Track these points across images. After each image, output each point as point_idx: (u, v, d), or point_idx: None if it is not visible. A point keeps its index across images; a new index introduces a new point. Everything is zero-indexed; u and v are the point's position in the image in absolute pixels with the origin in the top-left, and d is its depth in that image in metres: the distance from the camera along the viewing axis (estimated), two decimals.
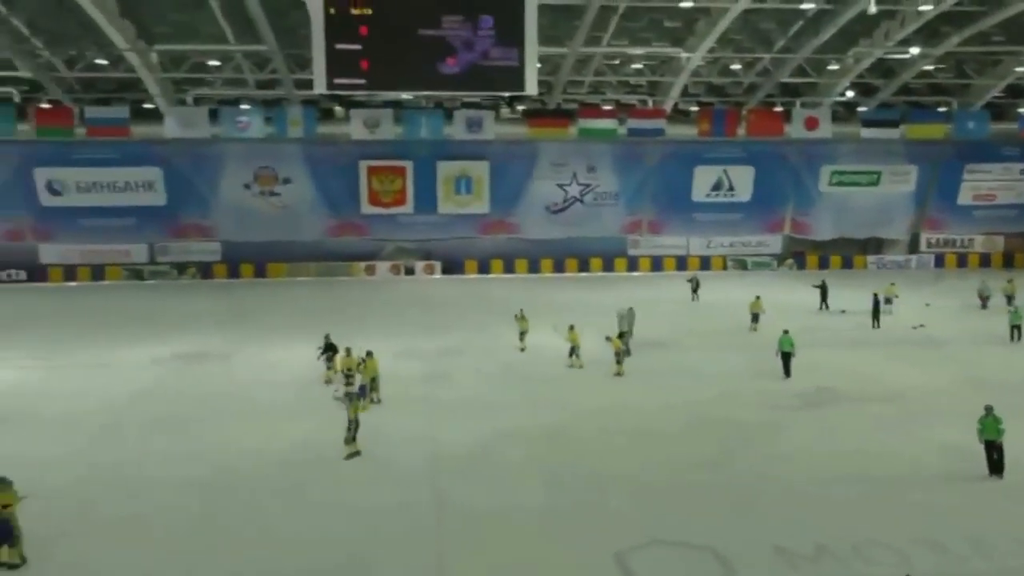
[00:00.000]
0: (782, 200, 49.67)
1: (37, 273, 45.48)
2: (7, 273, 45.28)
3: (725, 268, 49.30)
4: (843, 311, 34.55)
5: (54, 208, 44.99)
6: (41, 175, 44.46)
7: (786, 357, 24.47)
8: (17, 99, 41.78)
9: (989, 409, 16.52)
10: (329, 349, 24.48)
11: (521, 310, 29.31)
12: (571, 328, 26.34)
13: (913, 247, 51.29)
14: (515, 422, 20.46)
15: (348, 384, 22.24)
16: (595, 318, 28.90)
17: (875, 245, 51.58)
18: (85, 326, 33.59)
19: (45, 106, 42.35)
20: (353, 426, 18.12)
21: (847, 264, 50.09)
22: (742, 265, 49.60)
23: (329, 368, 24.10)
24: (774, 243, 50.56)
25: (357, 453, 17.99)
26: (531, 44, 29.04)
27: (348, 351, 23.18)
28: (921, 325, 32.14)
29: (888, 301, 34.49)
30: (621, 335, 26.69)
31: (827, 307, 35.63)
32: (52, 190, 44.70)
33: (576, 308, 33.36)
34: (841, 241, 50.42)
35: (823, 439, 19.17)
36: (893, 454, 17.99)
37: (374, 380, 22.10)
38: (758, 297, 32.61)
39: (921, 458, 17.65)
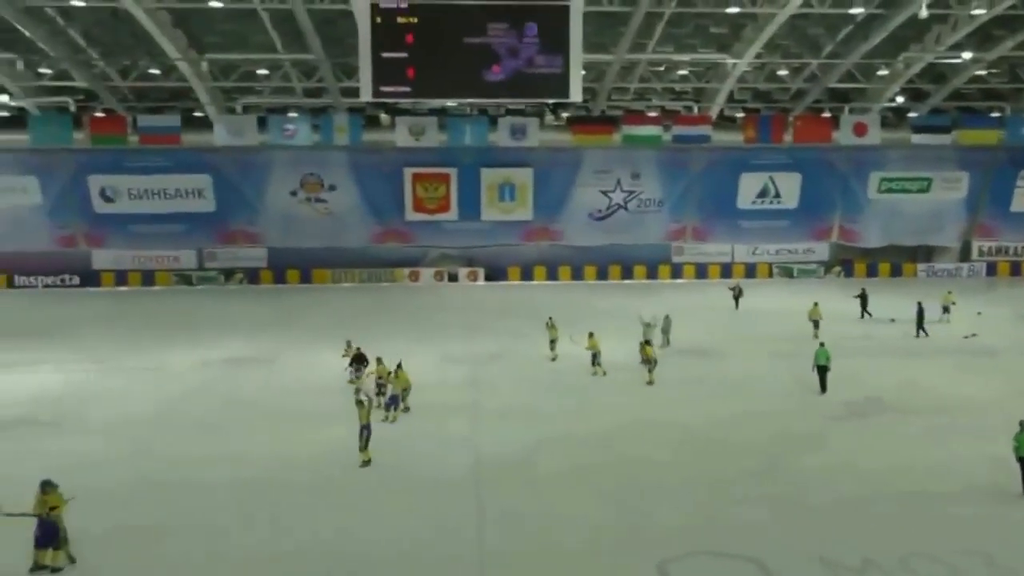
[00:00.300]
0: (829, 207, 49.05)
1: (90, 278, 46.57)
2: (61, 278, 46.46)
3: (771, 276, 48.80)
4: (892, 320, 34.00)
5: (107, 215, 46.06)
6: (95, 182, 45.54)
7: (822, 371, 23.69)
8: (72, 108, 42.89)
9: None
10: (357, 360, 24.63)
11: (551, 318, 29.20)
12: (591, 335, 26.25)
13: (964, 255, 50.31)
14: (557, 430, 20.49)
15: (379, 393, 22.23)
16: (635, 326, 28.82)
17: (925, 253, 50.67)
18: (135, 330, 34.32)
19: (99, 115, 43.41)
20: (365, 433, 18.07)
21: (896, 272, 49.30)
22: (788, 273, 49.06)
23: (357, 378, 24.12)
24: (821, 251, 49.94)
25: (368, 462, 17.94)
26: (576, 51, 29.06)
27: (379, 360, 23.28)
28: (973, 334, 31.55)
29: (946, 310, 34.11)
30: (647, 343, 26.57)
31: (869, 315, 35.16)
32: (105, 197, 45.77)
33: (616, 315, 33.25)
34: (890, 249, 49.60)
35: (870, 450, 18.89)
36: (942, 466, 17.70)
37: (405, 391, 22.08)
38: (816, 304, 32.43)
39: (971, 471, 17.33)
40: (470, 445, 19.41)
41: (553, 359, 27.90)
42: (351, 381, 24.18)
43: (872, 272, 49.10)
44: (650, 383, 24.77)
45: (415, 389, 22.39)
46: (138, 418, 21.82)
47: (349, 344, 26.26)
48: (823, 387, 23.55)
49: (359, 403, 18.57)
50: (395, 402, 21.59)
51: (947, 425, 20.64)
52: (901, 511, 15.42)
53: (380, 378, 22.76)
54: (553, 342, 28.27)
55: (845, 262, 49.72)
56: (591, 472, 17.60)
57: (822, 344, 24.26)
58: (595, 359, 26.09)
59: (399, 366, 22.29)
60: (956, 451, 18.57)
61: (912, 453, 18.60)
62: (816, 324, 31.65)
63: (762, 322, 34.58)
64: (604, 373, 25.78)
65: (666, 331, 30.02)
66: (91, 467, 16.74)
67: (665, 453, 18.85)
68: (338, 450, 18.73)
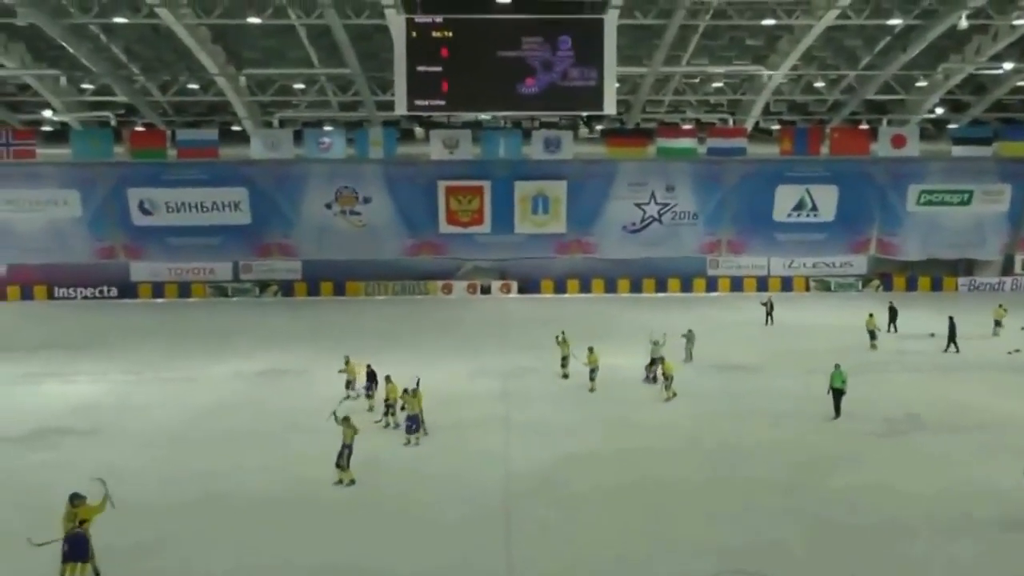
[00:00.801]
0: (867, 220, 48.54)
1: (127, 290, 47.38)
2: (99, 290, 47.31)
3: (808, 289, 48.37)
4: (932, 334, 33.43)
5: (145, 227, 46.82)
6: (134, 195, 46.34)
7: (837, 394, 22.48)
8: (113, 123, 43.73)
9: None
10: (369, 378, 24.04)
11: (562, 332, 28.50)
12: (590, 350, 25.86)
13: (1007, 268, 49.53)
14: (587, 445, 20.40)
15: (389, 414, 21.69)
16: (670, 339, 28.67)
17: (966, 267, 49.97)
18: (172, 341, 34.78)
19: (139, 129, 44.17)
20: (347, 452, 17.62)
21: (936, 286, 48.63)
22: (825, 286, 48.60)
23: (370, 396, 23.68)
24: (859, 264, 49.52)
25: (352, 482, 17.59)
26: (610, 64, 29.14)
27: (388, 379, 22.36)
28: (1017, 350, 30.94)
29: (998, 323, 33.64)
30: (652, 363, 26.30)
31: (895, 330, 34.71)
32: (144, 210, 46.54)
33: (647, 329, 33.06)
34: (930, 262, 48.96)
35: (910, 469, 18.51)
36: (985, 487, 17.27)
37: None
38: (872, 315, 32.15)
39: (1016, 492, 16.86)
40: (500, 460, 19.36)
41: (564, 376, 27.33)
42: (348, 398, 23.50)
43: (912, 286, 48.56)
44: (668, 399, 24.41)
45: (446, 403, 22.41)
46: (172, 429, 22.09)
47: (348, 361, 25.36)
48: (837, 411, 22.43)
49: (345, 420, 18.06)
50: (415, 424, 20.51)
51: (989, 443, 20.17)
52: (942, 532, 15.08)
53: (388, 399, 21.92)
54: (565, 359, 27.60)
55: (884, 275, 49.19)
56: (619, 490, 17.45)
57: (838, 365, 22.97)
58: (592, 374, 25.67)
59: (417, 385, 21.26)
60: (999, 470, 18.03)
61: (954, 473, 18.18)
62: (873, 335, 31.35)
63: (795, 337, 34.19)
64: (592, 389, 25.43)
65: (689, 346, 29.76)
66: (124, 478, 16.87)
67: (697, 470, 18.65)
68: (368, 466, 18.78)
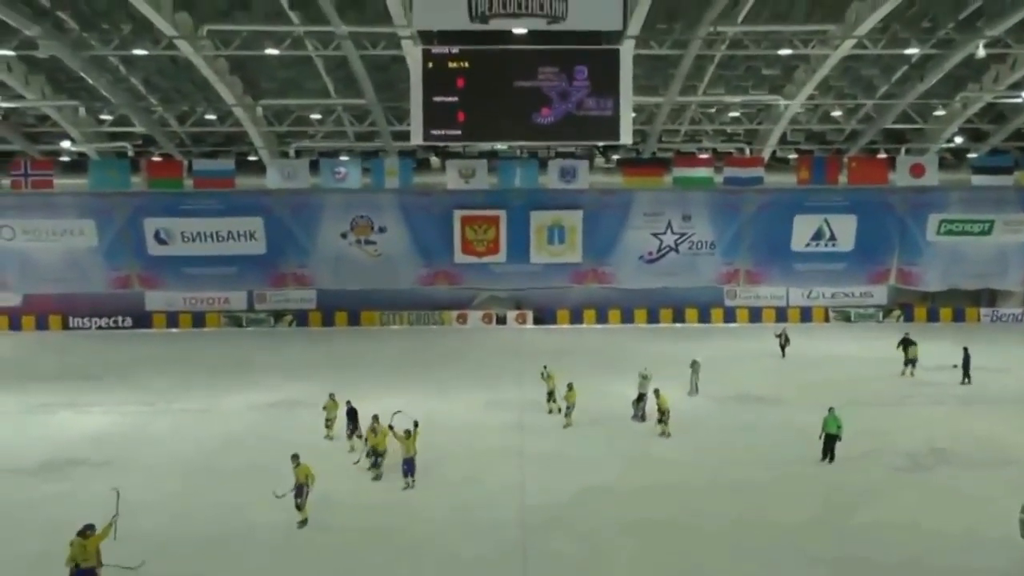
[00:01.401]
0: (887, 250, 48.28)
1: (142, 320, 47.72)
2: (114, 320, 47.67)
3: (827, 320, 48.15)
4: (955, 366, 33.09)
5: (160, 257, 47.14)
6: (150, 225, 46.74)
7: (830, 440, 21.64)
8: (131, 153, 44.24)
9: None
10: (350, 417, 23.52)
11: (545, 367, 28.21)
12: (569, 387, 25.59)
13: None
14: (603, 479, 20.37)
15: (375, 466, 20.81)
16: (682, 370, 28.50)
17: (989, 297, 49.60)
18: (187, 372, 34.96)
19: (156, 159, 44.65)
20: (304, 492, 17.49)
21: (958, 317, 48.29)
22: (845, 317, 48.39)
23: (353, 436, 23.13)
24: (879, 294, 49.28)
25: (304, 522, 17.44)
26: (626, 94, 29.09)
27: (376, 419, 21.28)
28: None
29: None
30: (640, 398, 25.96)
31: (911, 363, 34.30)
32: (159, 239, 46.92)
33: (665, 361, 32.93)
34: (952, 293, 48.63)
35: (935, 506, 18.36)
36: (1013, 525, 16.89)
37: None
38: (915, 343, 32.44)
39: None
40: (515, 493, 19.33)
41: (550, 412, 26.91)
42: (328, 438, 23.35)
43: (933, 316, 48.25)
44: (663, 435, 24.10)
45: (461, 433, 22.34)
46: (185, 461, 22.16)
47: (332, 397, 24.83)
48: (826, 455, 21.62)
49: (294, 458, 17.87)
50: (410, 468, 19.94)
51: (1016, 479, 19.86)
52: (971, 571, 14.85)
53: (375, 448, 20.89)
54: (551, 393, 27.20)
55: (905, 306, 48.92)
56: (639, 526, 17.43)
57: (831, 410, 22.14)
58: (568, 411, 25.36)
59: (415, 427, 20.36)
60: None
61: (981, 509, 17.90)
62: (912, 363, 31.44)
63: (814, 368, 33.95)
64: (567, 425, 25.08)
65: (694, 377, 29.51)
66: (135, 511, 16.96)
67: (718, 506, 18.56)
68: (384, 498, 18.79)
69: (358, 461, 21.54)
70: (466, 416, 26.88)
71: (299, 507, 17.48)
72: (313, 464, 19.38)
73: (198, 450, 23.24)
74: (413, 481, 19.89)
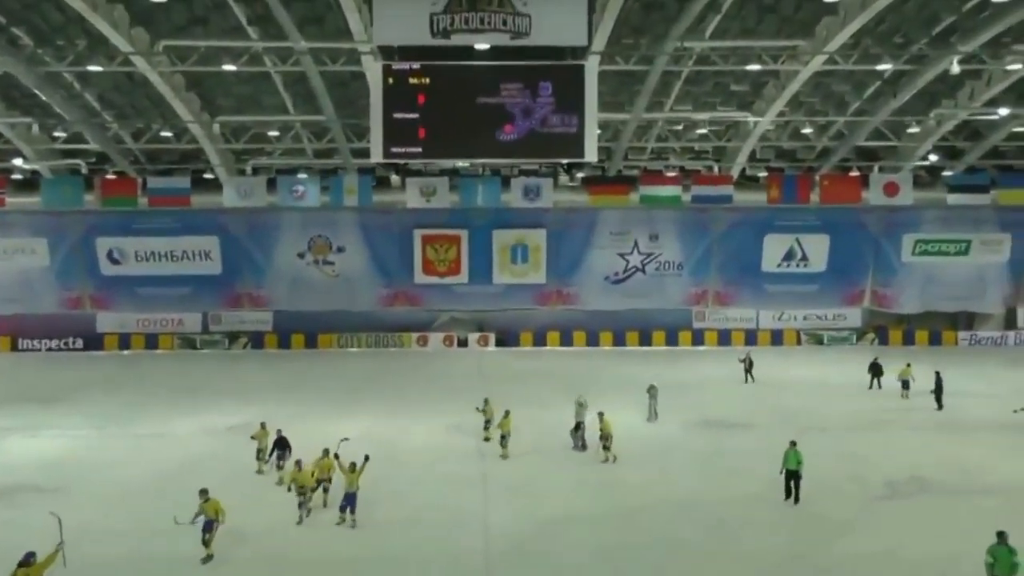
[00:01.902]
0: (861, 270, 48.94)
1: (93, 341, 47.41)
2: (64, 341, 47.37)
3: (799, 343, 48.58)
4: (932, 391, 33.58)
5: (113, 277, 47.05)
6: (103, 244, 46.65)
7: (792, 477, 20.90)
8: (84, 171, 44.24)
9: None
10: (279, 446, 23.19)
11: (486, 400, 27.76)
12: (506, 414, 25.61)
13: (1010, 322, 49.63)
14: (570, 506, 20.57)
15: (301, 506, 19.81)
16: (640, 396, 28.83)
17: (967, 320, 50.17)
18: (139, 395, 34.88)
19: (111, 177, 44.57)
20: (213, 527, 17.38)
21: (935, 340, 48.77)
22: (818, 340, 48.82)
23: (280, 467, 22.71)
24: (853, 316, 49.66)
25: (210, 557, 17.36)
26: (591, 110, 29.58)
27: (326, 453, 20.66)
28: (1022, 408, 31.03)
29: (905, 385, 33.76)
30: (577, 427, 26.01)
31: (879, 386, 34.91)
32: (112, 259, 46.81)
33: (629, 384, 33.36)
34: (928, 315, 49.14)
35: (917, 535, 18.48)
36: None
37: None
38: (909, 364, 32.81)
39: None
40: (479, 521, 19.49)
41: (486, 440, 26.79)
42: (260, 472, 22.93)
43: (909, 339, 48.68)
44: (607, 461, 24.18)
45: (421, 458, 22.43)
46: (138, 487, 22.17)
47: (263, 427, 24.32)
48: (790, 494, 20.93)
49: (202, 492, 17.73)
50: (350, 503, 19.18)
51: (998, 508, 19.93)
52: None
53: (301, 486, 19.91)
54: (488, 423, 27.14)
55: (879, 329, 49.41)
56: (607, 553, 17.58)
57: (793, 443, 21.36)
58: (503, 440, 25.21)
59: (366, 460, 19.65)
60: (1016, 538, 17.35)
61: (967, 540, 17.28)
62: (906, 384, 32.06)
63: (784, 393, 34.29)
64: (505, 456, 24.89)
65: (652, 403, 29.72)
66: (88, 539, 16.99)
67: (690, 533, 18.74)
68: (343, 527, 18.92)
69: (290, 490, 20.53)
70: (426, 440, 27.09)
71: (205, 543, 17.36)
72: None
73: (152, 476, 23.19)
74: (353, 520, 19.15)
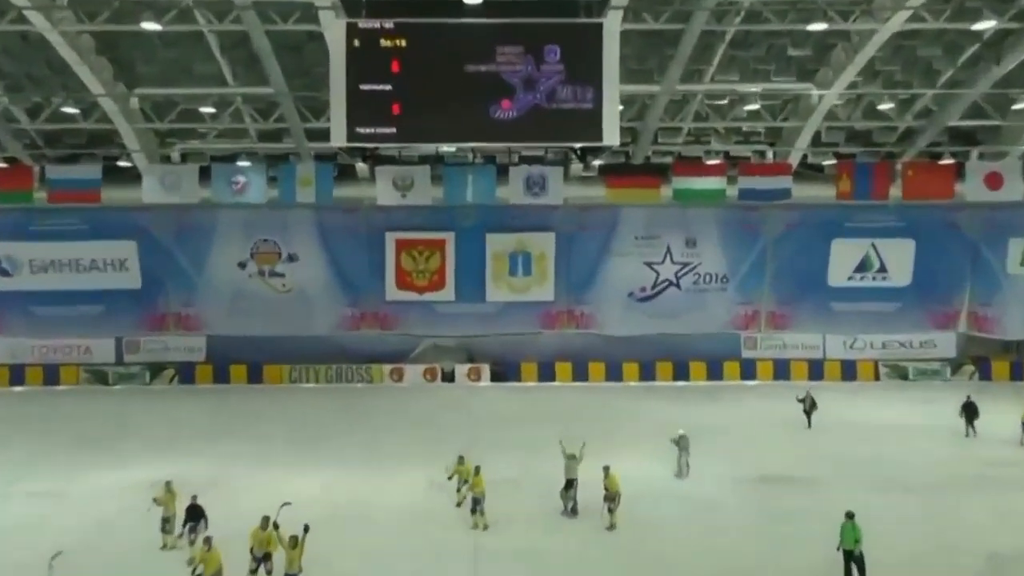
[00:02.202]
0: (956, 285, 48.97)
1: None
2: None
3: (877, 378, 48.55)
4: None
5: (2, 293, 47.07)
6: None
7: (850, 558, 20.71)
8: None
9: None
10: (193, 515, 23.09)
11: (460, 456, 27.56)
12: (476, 471, 25.74)
13: None
14: None
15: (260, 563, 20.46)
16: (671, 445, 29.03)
17: None
18: (36, 444, 34.78)
19: (0, 165, 44.61)
20: None
21: None
22: (900, 374, 48.76)
23: (192, 542, 22.48)
24: (945, 344, 49.64)
25: None
26: (611, 81, 29.64)
27: (266, 523, 20.69)
28: None
29: None
30: (568, 485, 25.92)
31: (975, 432, 35.13)
32: (1, 270, 46.89)
33: (661, 428, 33.15)
34: None
35: None
36: None
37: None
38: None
39: None
40: None
41: (459, 504, 26.71)
42: (165, 547, 23.10)
43: (1018, 373, 48.56)
44: (610, 527, 24.36)
45: (396, 524, 22.41)
46: (33, 565, 22.02)
47: (168, 486, 24.29)
48: None
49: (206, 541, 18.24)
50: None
51: None
52: None
53: (257, 547, 20.53)
54: (465, 483, 26.91)
55: (979, 360, 49.38)
56: None
57: (850, 515, 21.15)
58: (476, 505, 25.09)
59: (305, 531, 19.97)
60: None
61: None
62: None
63: (856, 442, 34.20)
64: (485, 527, 24.84)
65: (682, 457, 29.80)
66: None
67: None
68: None
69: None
70: (403, 501, 27.08)
71: None
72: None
73: (52, 546, 22.93)
74: None
